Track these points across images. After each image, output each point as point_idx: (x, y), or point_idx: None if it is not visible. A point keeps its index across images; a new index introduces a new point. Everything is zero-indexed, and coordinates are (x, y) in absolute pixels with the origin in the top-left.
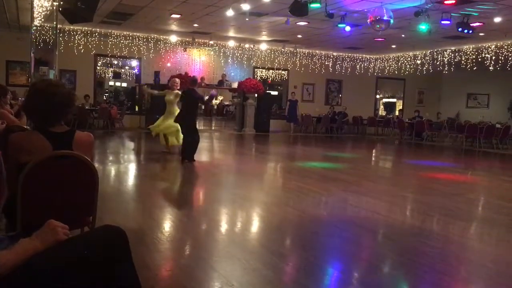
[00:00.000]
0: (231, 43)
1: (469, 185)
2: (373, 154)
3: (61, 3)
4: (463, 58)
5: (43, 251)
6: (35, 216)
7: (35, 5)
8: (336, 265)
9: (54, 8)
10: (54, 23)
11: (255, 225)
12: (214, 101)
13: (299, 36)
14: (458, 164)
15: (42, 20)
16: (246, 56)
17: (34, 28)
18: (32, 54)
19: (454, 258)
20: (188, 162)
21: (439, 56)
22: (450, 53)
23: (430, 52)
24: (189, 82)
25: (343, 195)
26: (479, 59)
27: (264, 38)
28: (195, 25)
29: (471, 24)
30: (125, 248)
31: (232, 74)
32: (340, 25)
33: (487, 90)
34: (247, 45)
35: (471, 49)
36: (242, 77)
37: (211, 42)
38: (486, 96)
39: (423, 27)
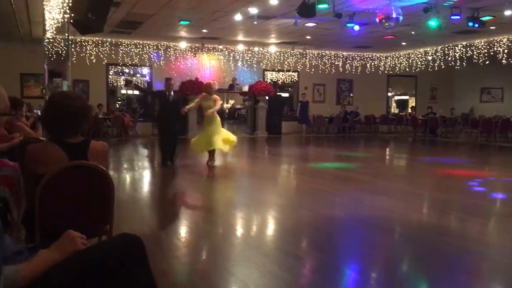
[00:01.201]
0: (240, 47)
1: (486, 180)
2: (387, 153)
3: (72, 15)
4: (475, 52)
5: (62, 262)
6: (53, 226)
7: (46, 18)
8: (353, 266)
9: (66, 20)
10: (66, 35)
11: (270, 228)
12: (190, 105)
13: (308, 37)
14: (474, 160)
15: (54, 32)
16: (255, 59)
17: (47, 40)
18: (45, 66)
19: (473, 255)
20: (170, 164)
21: (450, 52)
22: (462, 48)
23: (441, 48)
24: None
25: (357, 194)
26: (491, 53)
27: (273, 40)
28: (204, 30)
29: (481, 18)
30: (143, 256)
31: (242, 77)
32: (348, 25)
33: (500, 83)
34: (256, 48)
35: (482, 43)
36: (252, 80)
37: (220, 46)
38: (500, 90)
39: (432, 23)
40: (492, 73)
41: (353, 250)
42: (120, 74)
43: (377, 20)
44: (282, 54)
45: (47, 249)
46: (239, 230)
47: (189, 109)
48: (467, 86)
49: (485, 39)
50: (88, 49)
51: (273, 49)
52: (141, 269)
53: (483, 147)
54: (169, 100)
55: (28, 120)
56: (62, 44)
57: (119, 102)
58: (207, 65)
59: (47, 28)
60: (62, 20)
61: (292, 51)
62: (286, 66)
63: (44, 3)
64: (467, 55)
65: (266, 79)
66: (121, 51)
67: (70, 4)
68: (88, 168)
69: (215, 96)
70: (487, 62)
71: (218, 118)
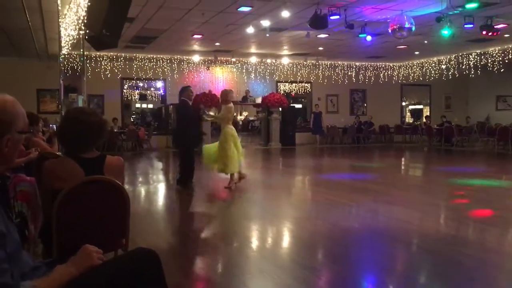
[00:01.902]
0: (253, 59)
1: (504, 190)
2: (402, 163)
3: (87, 31)
4: (490, 60)
5: (78, 277)
6: (70, 241)
7: (62, 34)
8: (370, 278)
9: (81, 36)
10: (81, 50)
11: (286, 240)
12: (208, 118)
13: (321, 48)
14: (491, 169)
15: (70, 48)
16: (268, 71)
17: (62, 56)
18: (61, 82)
19: (492, 266)
20: (181, 188)
21: (464, 60)
22: (476, 56)
23: (455, 56)
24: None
25: (373, 205)
26: (506, 61)
27: (286, 52)
28: (217, 43)
29: (495, 26)
30: (158, 270)
31: (255, 89)
32: (361, 35)
33: None
34: (269, 60)
35: (497, 51)
36: (265, 92)
37: (233, 59)
38: None
39: (445, 32)
40: (508, 81)
41: (370, 262)
42: (135, 88)
43: (389, 30)
44: (294, 66)
45: (64, 264)
46: (254, 243)
47: (203, 119)
48: (482, 94)
49: (499, 47)
50: (103, 64)
51: (285, 60)
52: (157, 283)
53: (500, 156)
54: (191, 111)
55: (44, 135)
56: (78, 60)
57: (134, 116)
58: (220, 78)
59: (62, 44)
60: (77, 37)
61: (305, 62)
62: (299, 77)
63: (59, 20)
64: (482, 63)
65: (279, 90)
66: (135, 66)
67: (85, 21)
68: (104, 183)
69: (229, 105)
70: (502, 70)
71: (228, 132)
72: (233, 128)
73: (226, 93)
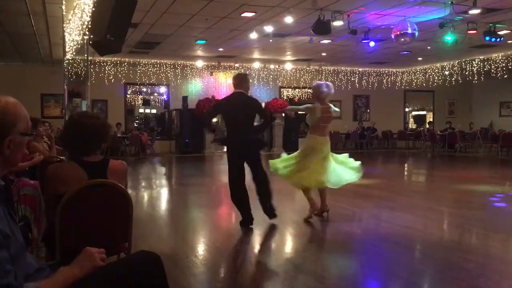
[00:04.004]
0: (256, 65)
1: (508, 196)
2: (405, 168)
3: (91, 36)
4: (493, 66)
5: (81, 279)
6: (73, 244)
7: (66, 40)
8: (373, 283)
9: (85, 41)
10: (85, 55)
11: (289, 246)
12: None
13: (324, 54)
14: (494, 175)
15: (74, 53)
16: (271, 76)
17: (66, 61)
18: (65, 87)
19: (496, 272)
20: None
21: (467, 66)
22: (479, 62)
23: (458, 62)
24: (236, 81)
25: (376, 211)
26: (510, 67)
27: (289, 58)
28: (220, 49)
29: (498, 32)
30: (161, 274)
31: (259, 95)
32: (364, 41)
33: None
34: (272, 66)
35: (500, 57)
36: (268, 98)
37: (237, 64)
38: None
39: (448, 38)
40: (511, 87)
41: (373, 267)
42: (138, 93)
43: (393, 36)
44: (298, 71)
45: (67, 266)
46: (257, 248)
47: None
48: (485, 101)
49: (503, 53)
50: (107, 69)
51: (289, 66)
52: (159, 286)
53: (504, 162)
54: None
55: (50, 140)
56: (82, 65)
57: (137, 121)
58: (223, 83)
59: (67, 49)
60: (82, 42)
61: (308, 68)
62: (302, 83)
63: (64, 25)
64: (485, 69)
65: (282, 96)
66: (138, 71)
67: (89, 26)
68: (107, 186)
69: (317, 105)
70: (506, 76)
71: (313, 140)
72: (321, 137)
73: (318, 88)
